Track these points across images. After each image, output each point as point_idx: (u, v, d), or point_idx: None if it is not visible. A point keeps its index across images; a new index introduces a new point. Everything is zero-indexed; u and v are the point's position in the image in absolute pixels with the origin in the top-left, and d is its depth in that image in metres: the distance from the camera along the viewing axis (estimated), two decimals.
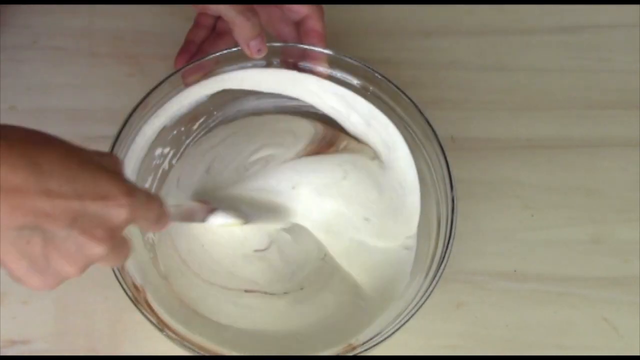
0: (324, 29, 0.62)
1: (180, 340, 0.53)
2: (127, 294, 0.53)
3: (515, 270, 0.64)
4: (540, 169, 0.68)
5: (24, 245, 0.42)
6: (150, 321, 0.53)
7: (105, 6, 0.73)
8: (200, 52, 0.64)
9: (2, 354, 0.58)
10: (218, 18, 0.64)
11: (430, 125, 0.59)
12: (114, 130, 0.57)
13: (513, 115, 0.70)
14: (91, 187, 0.42)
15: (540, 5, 0.75)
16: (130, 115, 0.58)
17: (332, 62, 0.62)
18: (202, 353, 0.53)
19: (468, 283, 0.63)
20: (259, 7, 0.60)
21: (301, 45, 0.61)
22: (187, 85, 0.61)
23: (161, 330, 0.53)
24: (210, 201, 0.57)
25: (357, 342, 0.55)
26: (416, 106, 0.60)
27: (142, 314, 0.53)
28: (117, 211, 0.43)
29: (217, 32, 0.64)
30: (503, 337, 0.61)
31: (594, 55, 0.73)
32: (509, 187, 0.67)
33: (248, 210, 0.59)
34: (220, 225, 0.56)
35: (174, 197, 0.61)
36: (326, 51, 0.61)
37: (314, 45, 0.61)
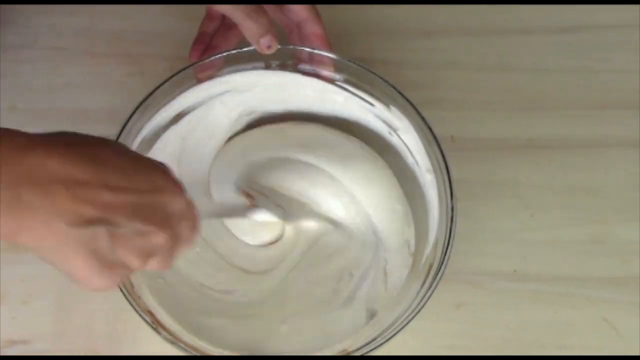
0: (324, 31, 0.62)
1: (175, 340, 0.53)
2: (125, 296, 0.53)
3: (515, 270, 0.63)
4: (540, 169, 0.68)
5: (92, 241, 0.42)
6: (147, 322, 0.53)
7: (105, 6, 0.73)
8: (211, 46, 0.64)
9: (2, 354, 0.58)
10: None
11: (428, 127, 0.59)
12: (114, 130, 0.57)
13: (513, 115, 0.70)
14: (147, 181, 0.45)
15: (540, 5, 0.75)
16: (132, 114, 0.58)
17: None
18: (195, 353, 0.53)
19: (468, 283, 0.63)
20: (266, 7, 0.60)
21: (311, 50, 0.62)
22: (200, 80, 0.62)
23: (158, 331, 0.53)
24: (254, 195, 0.60)
25: (351, 347, 0.55)
26: (414, 107, 0.60)
27: (140, 315, 0.53)
28: (173, 201, 0.46)
29: (227, 24, 0.65)
30: (503, 337, 0.61)
31: (594, 55, 0.73)
32: (509, 187, 0.67)
33: (287, 207, 0.61)
34: (261, 221, 0.59)
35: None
36: (332, 55, 0.62)
37: (319, 48, 0.62)
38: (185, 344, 0.53)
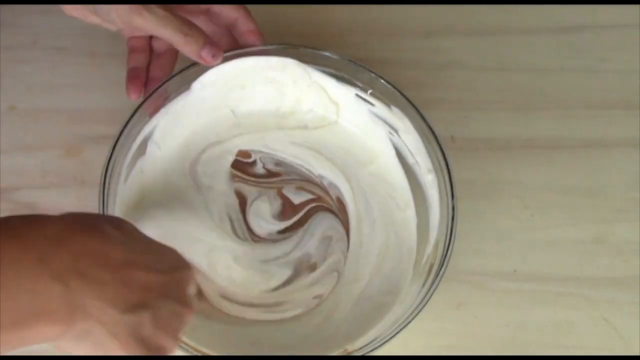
0: (257, 27, 0.61)
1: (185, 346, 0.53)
2: None
3: (515, 270, 0.63)
4: (540, 169, 0.68)
5: (139, 327, 0.42)
6: None
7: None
8: (150, 78, 0.62)
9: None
10: (151, 37, 0.62)
11: (429, 127, 0.59)
12: (114, 130, 0.57)
13: (513, 115, 0.70)
14: (167, 260, 0.46)
15: (540, 5, 0.75)
16: (133, 115, 0.58)
17: (330, 63, 0.62)
18: (196, 353, 0.53)
19: (468, 283, 0.63)
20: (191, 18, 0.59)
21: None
22: (152, 116, 0.60)
23: None
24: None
25: (353, 347, 0.55)
26: (415, 107, 0.60)
27: None
28: (188, 276, 0.47)
29: (157, 53, 0.63)
30: (503, 337, 0.61)
31: (594, 55, 0.73)
32: (509, 187, 0.67)
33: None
34: None
35: None
36: (266, 47, 0.61)
37: (254, 44, 0.61)
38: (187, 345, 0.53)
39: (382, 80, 0.61)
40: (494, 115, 0.70)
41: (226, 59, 0.60)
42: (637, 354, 0.61)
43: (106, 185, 0.55)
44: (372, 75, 0.61)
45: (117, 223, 0.46)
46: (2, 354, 0.40)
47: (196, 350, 0.53)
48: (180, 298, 0.45)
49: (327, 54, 0.62)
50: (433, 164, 0.60)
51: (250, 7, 0.61)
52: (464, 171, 0.61)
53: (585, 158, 0.69)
